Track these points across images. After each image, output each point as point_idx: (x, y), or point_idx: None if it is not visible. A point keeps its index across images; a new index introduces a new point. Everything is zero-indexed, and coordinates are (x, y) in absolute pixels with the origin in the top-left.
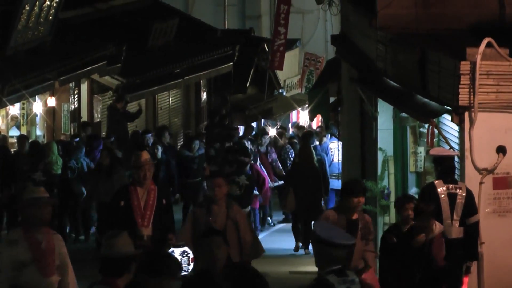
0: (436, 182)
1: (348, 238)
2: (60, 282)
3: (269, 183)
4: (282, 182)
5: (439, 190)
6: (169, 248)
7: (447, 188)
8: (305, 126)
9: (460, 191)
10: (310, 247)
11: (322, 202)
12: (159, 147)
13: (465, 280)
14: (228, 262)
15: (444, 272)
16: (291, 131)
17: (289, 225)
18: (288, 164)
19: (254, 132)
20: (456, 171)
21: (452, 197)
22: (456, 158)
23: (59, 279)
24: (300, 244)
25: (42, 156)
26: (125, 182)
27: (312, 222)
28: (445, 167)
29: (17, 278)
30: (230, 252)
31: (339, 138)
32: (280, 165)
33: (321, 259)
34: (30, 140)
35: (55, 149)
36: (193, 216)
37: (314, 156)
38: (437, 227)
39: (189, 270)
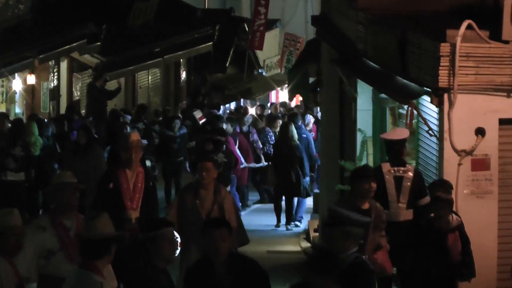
0: (383, 164)
1: (363, 217)
2: None
3: (242, 164)
4: (261, 164)
5: (385, 172)
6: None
7: (394, 171)
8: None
9: (408, 173)
10: (294, 224)
11: (308, 179)
12: (135, 129)
13: None
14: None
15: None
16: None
17: (265, 205)
18: (268, 147)
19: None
20: (435, 153)
21: (398, 179)
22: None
23: None
24: (284, 221)
25: (21, 132)
26: (102, 161)
27: (295, 199)
28: (391, 150)
29: (45, 267)
30: None
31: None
32: (260, 145)
33: (337, 241)
34: (13, 118)
35: (35, 129)
36: (180, 200)
37: (295, 135)
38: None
39: (177, 255)
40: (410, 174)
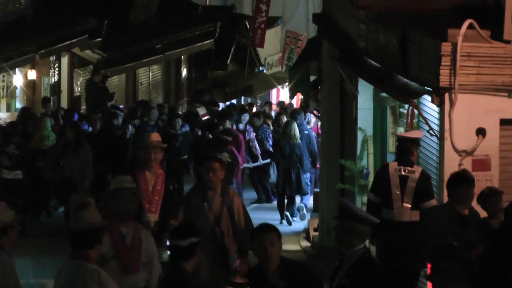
0: (390, 163)
1: (371, 216)
2: (147, 281)
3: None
4: (258, 163)
5: (390, 171)
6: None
7: (399, 170)
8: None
9: (413, 174)
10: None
11: (308, 175)
12: (130, 126)
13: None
14: (224, 252)
15: None
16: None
17: (262, 204)
18: (266, 144)
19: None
20: (435, 153)
21: (403, 179)
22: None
23: (146, 278)
24: (288, 215)
25: (14, 128)
26: (90, 160)
27: (297, 196)
28: (401, 149)
29: None
30: (225, 241)
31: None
32: (257, 144)
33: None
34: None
35: (48, 124)
36: (186, 203)
37: (297, 133)
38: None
39: None
40: (416, 175)
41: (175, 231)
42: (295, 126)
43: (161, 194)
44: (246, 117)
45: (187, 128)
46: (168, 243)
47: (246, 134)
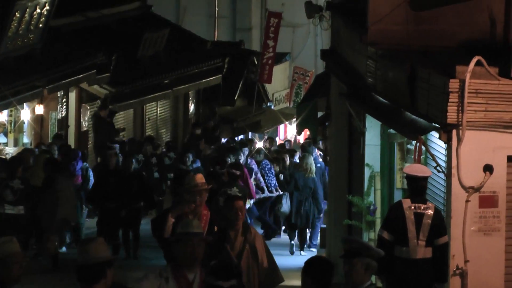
0: (403, 200)
1: (379, 250)
2: None
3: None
4: (264, 195)
5: (405, 209)
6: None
7: (414, 208)
8: (272, 139)
9: (428, 211)
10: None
11: (324, 207)
12: (133, 160)
13: None
14: None
15: None
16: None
17: (268, 241)
18: (266, 179)
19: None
20: (442, 189)
21: (418, 216)
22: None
23: None
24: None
25: (19, 163)
26: (68, 194)
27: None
28: (415, 187)
29: None
30: (243, 279)
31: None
32: (261, 177)
33: (356, 272)
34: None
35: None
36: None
37: (313, 167)
38: None
39: None
40: (430, 212)
41: (219, 271)
42: (311, 160)
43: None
44: (245, 151)
45: (198, 164)
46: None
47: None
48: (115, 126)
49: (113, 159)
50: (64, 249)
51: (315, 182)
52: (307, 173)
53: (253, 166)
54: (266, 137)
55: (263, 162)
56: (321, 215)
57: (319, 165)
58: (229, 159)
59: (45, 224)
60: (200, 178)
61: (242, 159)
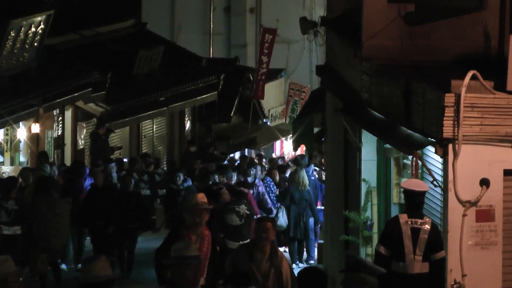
0: (400, 215)
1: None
2: None
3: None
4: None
5: (402, 224)
6: None
7: (411, 223)
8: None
9: (425, 226)
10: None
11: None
12: (132, 180)
13: None
14: None
15: None
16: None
17: None
18: (272, 196)
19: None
20: (439, 203)
21: (415, 231)
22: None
23: None
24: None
25: (14, 183)
26: (53, 213)
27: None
28: (412, 201)
29: None
30: None
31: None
32: (268, 199)
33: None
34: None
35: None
36: (233, 260)
37: (305, 180)
38: None
39: None
40: (427, 226)
41: (237, 278)
42: (303, 173)
43: (207, 256)
44: (253, 171)
45: (189, 182)
46: None
47: (254, 189)
48: (110, 144)
49: (100, 177)
50: (64, 266)
51: (310, 194)
52: (301, 185)
53: (260, 188)
54: (262, 153)
55: (267, 179)
56: (319, 225)
57: (312, 178)
58: (215, 179)
59: (37, 243)
60: (201, 197)
61: (234, 179)
